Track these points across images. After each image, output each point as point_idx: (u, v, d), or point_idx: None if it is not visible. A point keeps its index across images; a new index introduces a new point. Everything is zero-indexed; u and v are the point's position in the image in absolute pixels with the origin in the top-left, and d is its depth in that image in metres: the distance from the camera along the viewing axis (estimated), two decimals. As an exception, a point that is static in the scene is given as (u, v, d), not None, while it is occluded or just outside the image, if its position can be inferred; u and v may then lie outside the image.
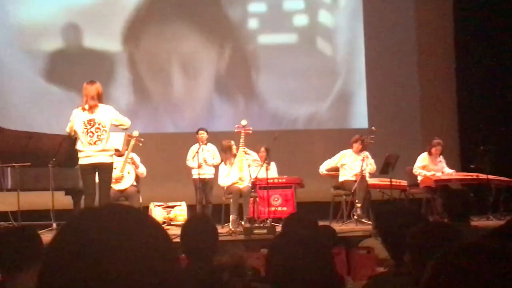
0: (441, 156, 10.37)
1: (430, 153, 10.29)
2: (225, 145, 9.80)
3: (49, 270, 1.05)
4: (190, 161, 9.92)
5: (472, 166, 10.33)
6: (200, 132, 9.94)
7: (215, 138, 10.10)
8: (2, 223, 8.73)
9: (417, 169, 10.21)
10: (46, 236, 3.61)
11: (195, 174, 9.81)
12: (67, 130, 7.86)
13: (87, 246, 1.02)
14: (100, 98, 7.64)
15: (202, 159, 9.73)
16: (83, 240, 1.03)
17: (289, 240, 2.56)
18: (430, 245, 2.66)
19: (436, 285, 1.24)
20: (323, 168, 10.22)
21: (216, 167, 10.00)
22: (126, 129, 8.15)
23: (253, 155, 9.81)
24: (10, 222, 8.63)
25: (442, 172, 10.25)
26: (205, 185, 9.90)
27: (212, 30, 12.31)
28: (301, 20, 12.53)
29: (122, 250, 1.02)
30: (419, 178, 10.20)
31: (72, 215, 7.41)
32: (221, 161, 9.90)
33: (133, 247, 1.03)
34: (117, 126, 7.78)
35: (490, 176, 9.99)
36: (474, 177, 10.08)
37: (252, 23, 12.55)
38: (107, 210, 1.11)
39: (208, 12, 12.13)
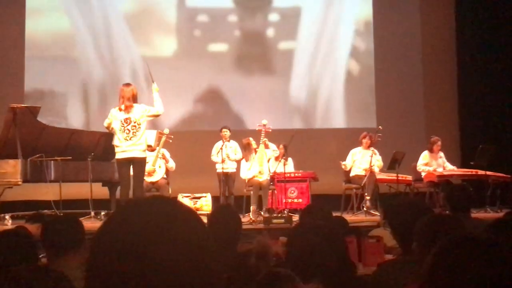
0: (441, 152, 10.34)
1: (431, 151, 10.26)
2: (244, 143, 9.82)
3: (97, 257, 1.02)
4: (215, 157, 9.94)
5: (471, 163, 10.27)
6: (224, 130, 9.95)
7: (238, 135, 10.11)
8: (45, 211, 8.79)
9: (420, 166, 10.18)
10: (86, 224, 3.64)
11: (219, 168, 9.81)
12: (105, 125, 7.93)
13: (133, 235, 1.00)
14: (135, 99, 7.69)
15: (225, 155, 9.76)
16: (129, 229, 1.01)
17: (307, 229, 2.57)
18: (435, 235, 2.65)
19: (436, 273, 1.24)
20: (345, 164, 10.17)
21: (238, 162, 10.01)
22: (158, 115, 8.13)
23: (273, 146, 9.79)
24: (53, 210, 8.68)
25: (444, 167, 10.21)
26: (228, 178, 9.92)
27: (235, 41, 12.36)
28: (318, 28, 12.50)
29: (166, 239, 1.00)
30: (423, 174, 10.17)
31: (118, 205, 7.48)
32: (242, 157, 9.93)
33: (176, 235, 1.01)
34: (151, 116, 7.82)
35: (488, 172, 9.94)
36: (474, 173, 10.04)
37: (270, 32, 12.56)
38: (152, 201, 1.09)
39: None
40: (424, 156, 10.24)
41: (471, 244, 1.25)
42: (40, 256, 3.39)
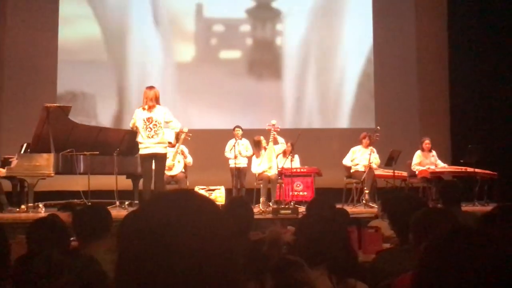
0: (433, 151, 10.33)
1: (422, 150, 10.27)
2: (255, 141, 9.81)
3: (127, 246, 1.01)
4: (228, 153, 9.93)
5: (461, 161, 10.28)
6: (236, 129, 9.95)
7: (249, 134, 10.11)
8: (75, 200, 8.83)
9: (414, 166, 10.18)
10: (111, 212, 3.65)
11: (231, 163, 9.81)
12: (130, 125, 7.95)
13: (160, 225, 0.99)
14: (157, 100, 7.71)
15: (237, 151, 9.76)
16: (157, 220, 1.00)
17: (314, 220, 2.57)
18: (430, 227, 2.65)
19: (429, 262, 1.23)
20: (346, 163, 10.19)
21: (249, 158, 10.01)
22: (173, 128, 8.18)
23: (281, 140, 9.73)
24: (82, 200, 8.72)
25: (436, 165, 10.20)
26: (239, 173, 9.92)
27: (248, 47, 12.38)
28: (323, 38, 12.50)
29: (191, 228, 1.00)
30: (416, 171, 10.18)
31: (146, 197, 7.49)
32: (253, 153, 9.93)
33: (200, 225, 1.01)
34: (167, 122, 7.83)
35: (476, 170, 9.92)
36: (463, 170, 10.01)
37: (279, 40, 12.56)
38: (177, 194, 1.08)
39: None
40: (418, 155, 10.23)
41: (463, 234, 1.25)
42: (71, 239, 3.40)
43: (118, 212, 7.94)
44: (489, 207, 8.86)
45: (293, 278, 1.91)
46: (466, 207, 8.17)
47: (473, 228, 1.33)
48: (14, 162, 8.82)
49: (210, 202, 1.08)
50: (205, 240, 0.99)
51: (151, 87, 7.83)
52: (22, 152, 9.09)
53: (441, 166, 10.25)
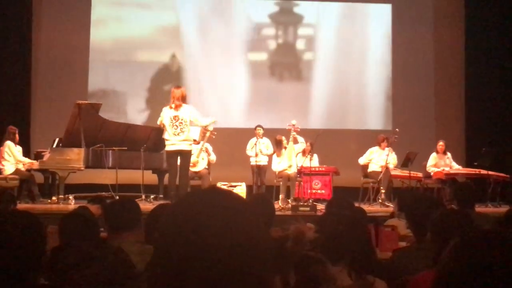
0: (447, 153, 10.27)
1: (437, 152, 10.20)
2: (277, 140, 9.80)
3: (163, 242, 1.01)
4: (249, 151, 9.94)
5: (475, 163, 10.23)
6: (258, 128, 9.94)
7: (270, 133, 10.11)
8: (103, 193, 8.89)
9: (429, 167, 10.14)
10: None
11: (252, 161, 9.82)
12: (158, 122, 7.99)
13: (195, 221, 1.00)
14: (184, 99, 7.73)
15: (258, 150, 9.75)
16: (192, 216, 1.01)
17: (335, 218, 2.56)
18: (447, 228, 2.62)
19: (455, 263, 1.21)
20: (361, 161, 10.16)
21: (269, 156, 10.00)
22: (200, 125, 8.22)
23: (301, 139, 9.71)
24: (110, 193, 8.77)
25: (450, 167, 10.13)
26: (260, 170, 9.91)
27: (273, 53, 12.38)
28: (342, 42, 12.46)
29: (224, 225, 1.00)
30: (431, 173, 10.13)
31: (173, 192, 7.50)
32: (274, 151, 9.92)
33: (232, 221, 1.01)
34: (193, 120, 7.86)
35: (490, 172, 9.86)
36: (477, 172, 9.94)
37: (300, 44, 12.53)
38: (211, 191, 1.08)
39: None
40: (433, 157, 10.19)
41: (490, 237, 1.22)
42: (101, 230, 3.42)
43: (143, 205, 7.93)
44: (502, 209, 8.81)
45: (315, 274, 1.90)
46: (479, 208, 8.07)
47: (497, 230, 1.30)
48: (47, 155, 8.91)
49: (240, 199, 1.08)
50: (236, 234, 1.00)
51: (178, 87, 7.88)
52: (54, 146, 9.18)
53: (456, 168, 10.19)
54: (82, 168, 8.74)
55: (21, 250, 1.86)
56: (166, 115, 7.71)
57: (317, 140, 9.63)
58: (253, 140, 9.90)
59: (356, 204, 7.78)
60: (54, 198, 8.85)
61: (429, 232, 2.73)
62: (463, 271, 1.17)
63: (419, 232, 3.06)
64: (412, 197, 3.65)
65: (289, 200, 9.27)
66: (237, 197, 1.07)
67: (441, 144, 10.20)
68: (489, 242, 1.18)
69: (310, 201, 9.08)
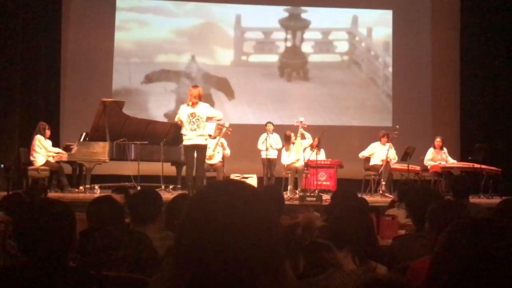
0: (444, 148, 10.22)
1: (434, 147, 10.16)
2: (286, 135, 9.81)
3: (186, 229, 1.02)
4: (260, 145, 9.94)
5: (469, 158, 10.18)
6: (268, 124, 9.96)
7: (279, 129, 10.11)
8: (126, 183, 8.92)
9: (426, 161, 10.11)
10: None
11: (263, 155, 9.82)
12: (176, 119, 8.00)
13: (216, 211, 1.00)
14: (200, 97, 7.72)
15: (268, 144, 9.76)
16: (213, 206, 1.02)
17: (340, 208, 2.55)
18: (445, 217, 2.61)
19: (448, 249, 1.20)
20: (361, 154, 10.13)
21: (279, 150, 10.01)
22: (219, 120, 8.24)
23: (308, 135, 9.70)
24: (132, 183, 8.80)
25: (446, 161, 10.08)
26: (270, 163, 9.92)
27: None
28: (346, 45, 12.42)
29: (242, 213, 1.00)
30: (428, 166, 10.09)
31: (191, 184, 7.51)
32: (283, 146, 9.92)
33: (248, 208, 1.02)
34: (211, 118, 7.86)
35: (483, 166, 9.82)
36: (471, 166, 9.90)
37: (307, 47, 12.51)
38: (229, 183, 1.09)
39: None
40: (430, 152, 10.16)
41: (478, 225, 1.21)
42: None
43: (163, 195, 7.86)
44: (493, 200, 8.77)
45: (323, 259, 1.90)
46: (473, 199, 8.03)
47: (489, 218, 1.29)
48: (75, 148, 8.96)
49: (254, 189, 1.08)
50: (251, 220, 1.01)
51: (195, 86, 7.87)
52: (81, 140, 9.23)
53: (451, 162, 10.14)
54: (107, 160, 8.78)
55: (54, 234, 1.87)
56: (183, 112, 7.71)
57: (323, 135, 9.62)
58: (263, 136, 9.90)
59: (359, 195, 7.81)
60: (81, 187, 8.90)
61: (427, 222, 2.72)
62: (454, 258, 1.16)
63: (418, 220, 3.04)
64: (412, 189, 3.63)
65: (297, 191, 9.28)
66: (251, 187, 1.08)
67: (438, 140, 10.17)
68: (477, 230, 1.18)
69: (316, 191, 9.09)
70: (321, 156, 9.99)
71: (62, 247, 1.90)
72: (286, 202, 8.07)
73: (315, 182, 9.64)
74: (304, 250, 1.87)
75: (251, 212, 1.02)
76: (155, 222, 3.11)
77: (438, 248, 1.22)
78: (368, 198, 8.66)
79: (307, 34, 12.49)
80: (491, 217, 1.99)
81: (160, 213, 3.19)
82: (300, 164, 9.48)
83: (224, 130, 9.21)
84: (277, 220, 1.08)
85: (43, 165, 8.98)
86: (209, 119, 7.77)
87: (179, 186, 9.47)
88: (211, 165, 9.43)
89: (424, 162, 10.10)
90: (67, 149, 9.41)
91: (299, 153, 9.51)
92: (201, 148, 7.79)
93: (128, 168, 9.13)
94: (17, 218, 2.02)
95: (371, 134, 10.55)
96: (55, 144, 9.69)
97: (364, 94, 12.35)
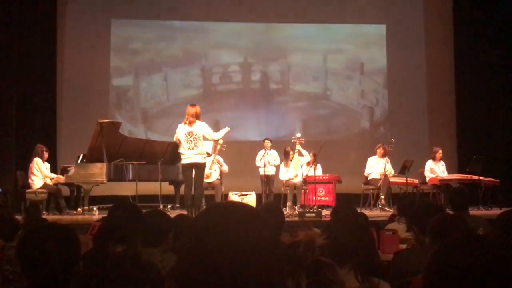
0: (442, 161, 10.27)
1: (434, 159, 10.22)
2: (285, 151, 9.84)
3: (188, 254, 1.03)
4: (258, 162, 9.95)
5: (467, 170, 10.19)
6: (266, 141, 9.98)
7: (277, 145, 10.13)
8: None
9: (427, 172, 10.12)
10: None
11: (261, 171, 9.81)
12: (174, 139, 8.00)
13: (217, 233, 1.02)
14: (197, 116, 7.74)
15: (266, 161, 9.77)
16: (215, 228, 1.02)
17: (341, 224, 2.57)
18: (445, 231, 2.63)
19: (435, 268, 1.21)
20: (366, 173, 10.12)
21: (277, 166, 10.02)
22: (212, 139, 8.23)
23: (305, 152, 9.71)
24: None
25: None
26: (268, 180, 9.90)
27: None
28: (343, 64, 12.50)
29: (243, 235, 1.02)
30: (428, 178, 10.11)
31: (190, 203, 7.47)
32: (281, 162, 9.94)
33: (247, 229, 1.03)
34: (206, 135, 7.87)
35: (481, 177, 9.84)
36: (469, 178, 9.90)
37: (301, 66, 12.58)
38: (229, 205, 1.10)
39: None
40: (429, 164, 10.18)
41: (468, 242, 1.23)
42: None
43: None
44: (492, 211, 8.78)
45: (325, 278, 1.91)
46: (472, 211, 8.03)
47: (480, 235, 1.31)
48: (72, 170, 8.96)
49: (254, 211, 1.09)
50: (251, 242, 1.02)
51: (193, 105, 7.90)
52: (79, 161, 9.22)
53: (447, 176, 10.17)
54: (105, 181, 8.78)
55: (59, 259, 1.89)
56: (181, 131, 7.73)
57: (320, 150, 9.64)
58: (261, 152, 9.92)
59: (358, 209, 7.82)
60: (79, 209, 8.89)
61: (427, 236, 2.73)
62: (443, 274, 1.18)
63: (420, 235, 3.06)
64: (413, 204, 3.65)
65: (296, 207, 9.28)
66: (251, 209, 1.09)
67: (440, 152, 10.19)
68: (466, 248, 1.19)
69: (315, 207, 9.09)
70: (318, 171, 10.01)
71: (66, 272, 1.92)
72: (286, 219, 8.05)
73: (314, 198, 9.64)
74: (307, 269, 1.88)
75: (252, 236, 1.03)
76: (163, 244, 3.03)
77: (427, 265, 1.24)
78: (367, 212, 8.66)
79: (304, 52, 12.50)
80: (477, 235, 2.01)
81: (168, 235, 3.09)
82: (298, 180, 9.49)
83: (218, 147, 9.21)
84: (278, 240, 1.10)
85: (41, 187, 8.97)
86: (204, 137, 7.78)
87: (177, 205, 9.46)
88: (209, 183, 9.42)
89: (425, 174, 10.14)
90: (64, 171, 9.41)
91: (297, 169, 9.54)
92: (200, 167, 7.79)
93: (126, 188, 9.13)
94: (21, 242, 2.03)
95: (368, 148, 10.58)
96: (52, 166, 9.69)
97: (361, 109, 12.39)
